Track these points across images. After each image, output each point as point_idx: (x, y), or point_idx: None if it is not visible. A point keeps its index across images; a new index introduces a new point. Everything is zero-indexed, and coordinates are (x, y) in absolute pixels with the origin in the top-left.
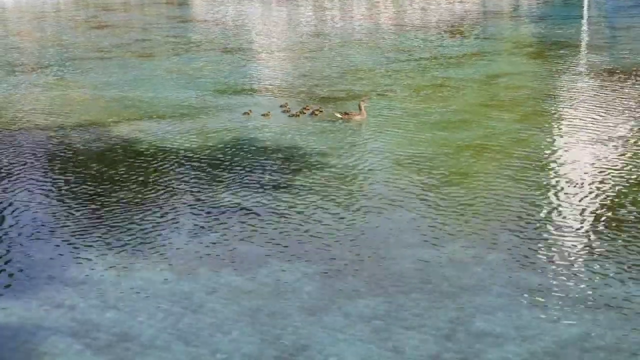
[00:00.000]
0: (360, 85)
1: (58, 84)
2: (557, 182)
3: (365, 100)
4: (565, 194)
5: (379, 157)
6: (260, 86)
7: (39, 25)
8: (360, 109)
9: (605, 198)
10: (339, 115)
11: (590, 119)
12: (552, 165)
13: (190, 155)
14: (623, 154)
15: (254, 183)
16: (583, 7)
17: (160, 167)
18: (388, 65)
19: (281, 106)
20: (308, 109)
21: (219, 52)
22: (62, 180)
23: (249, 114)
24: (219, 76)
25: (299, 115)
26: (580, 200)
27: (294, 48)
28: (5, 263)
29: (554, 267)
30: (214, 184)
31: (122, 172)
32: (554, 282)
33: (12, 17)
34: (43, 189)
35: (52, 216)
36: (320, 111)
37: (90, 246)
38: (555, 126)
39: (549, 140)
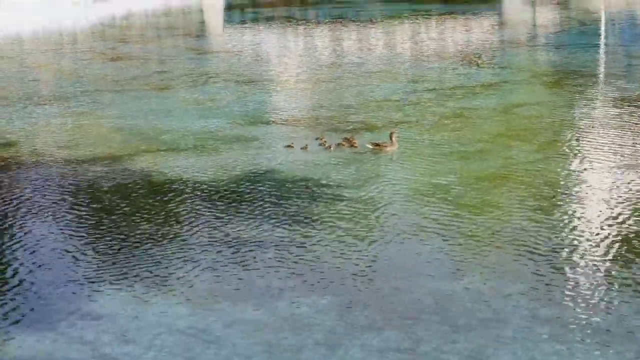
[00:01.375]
0: (380, 116)
1: (75, 116)
2: (576, 212)
3: (396, 130)
4: (584, 225)
5: (398, 187)
6: (282, 117)
7: (56, 56)
8: (391, 139)
9: (626, 229)
10: (370, 147)
11: (609, 149)
12: (572, 195)
13: (211, 187)
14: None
15: (278, 215)
16: (600, 35)
17: (180, 200)
18: (406, 95)
19: (317, 139)
20: (344, 144)
21: (237, 83)
22: (81, 214)
23: (292, 146)
24: (238, 108)
25: (330, 148)
26: (600, 232)
27: (313, 78)
28: (24, 297)
29: (574, 299)
30: (234, 216)
31: (141, 205)
32: (574, 315)
33: (29, 49)
34: (61, 222)
35: (71, 250)
36: (353, 144)
37: (109, 280)
38: (574, 156)
39: (568, 170)
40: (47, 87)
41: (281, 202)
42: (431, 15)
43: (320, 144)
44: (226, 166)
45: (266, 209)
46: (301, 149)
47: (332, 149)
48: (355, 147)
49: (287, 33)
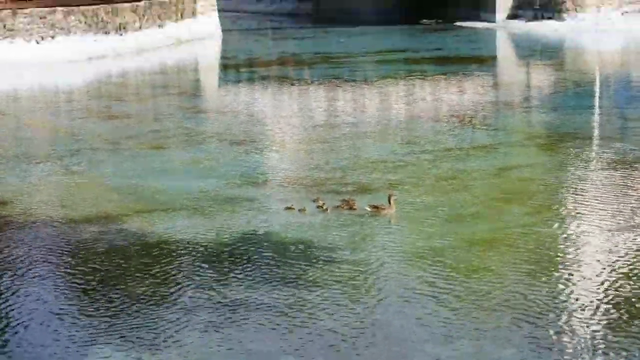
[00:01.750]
0: (375, 177)
1: (70, 175)
2: (569, 277)
3: (394, 193)
4: (577, 290)
5: (393, 250)
6: (278, 178)
7: (51, 114)
8: (389, 202)
9: (621, 293)
10: (368, 209)
11: (603, 212)
12: (564, 260)
13: (206, 248)
14: (635, 245)
15: (274, 277)
16: (595, 97)
17: (175, 261)
18: (400, 157)
19: (314, 200)
20: (343, 206)
21: (232, 142)
22: (74, 275)
23: (292, 208)
24: (234, 168)
25: (326, 210)
26: (595, 296)
27: (308, 139)
28: (12, 358)
29: None
30: (229, 278)
31: (135, 265)
32: None
33: (24, 106)
34: (53, 283)
35: (62, 310)
36: (352, 206)
37: (102, 342)
38: (569, 219)
39: (561, 234)
40: (42, 145)
41: (277, 264)
42: (426, 76)
43: (317, 206)
44: (221, 227)
45: (262, 271)
46: (299, 210)
47: (328, 211)
48: (355, 209)
49: (282, 92)
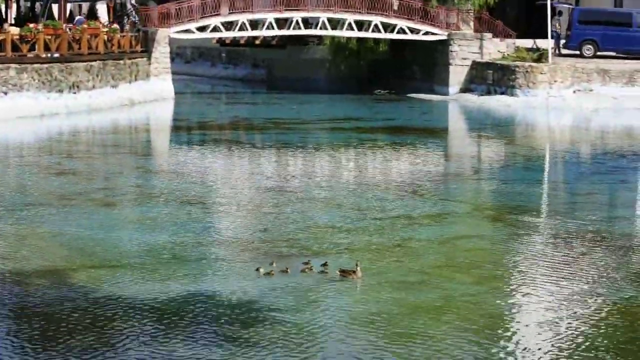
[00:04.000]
0: (318, 244)
1: (16, 229)
2: (514, 349)
3: (359, 262)
4: (521, 358)
5: (334, 314)
6: (225, 239)
7: (0, 169)
8: (357, 268)
9: None
10: (337, 273)
11: (548, 285)
12: (508, 331)
13: (147, 306)
14: (581, 321)
15: (216, 337)
16: (544, 172)
17: (119, 318)
18: (347, 224)
19: (270, 264)
20: (309, 269)
21: (181, 203)
22: (17, 330)
23: (259, 270)
24: (181, 228)
25: (272, 273)
26: None
27: (255, 203)
28: None
29: None
30: (171, 336)
31: (79, 320)
32: None
33: None
34: None
35: None
36: (309, 269)
37: None
38: (514, 291)
39: (505, 305)
40: None
41: (220, 324)
42: (377, 145)
43: (281, 270)
44: (167, 286)
45: (205, 331)
46: (265, 274)
47: (273, 273)
48: (287, 272)
49: (233, 156)
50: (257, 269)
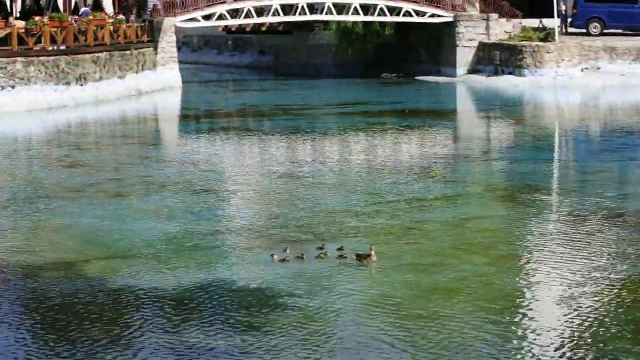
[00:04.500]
0: (332, 228)
1: (28, 222)
2: (529, 327)
3: (374, 245)
4: (537, 339)
5: (349, 299)
6: (237, 227)
7: (8, 163)
8: (371, 252)
9: (579, 344)
10: (354, 257)
11: (561, 264)
12: (523, 310)
13: (161, 295)
14: (595, 299)
15: (233, 324)
16: (554, 150)
17: (132, 308)
18: (359, 208)
19: (284, 250)
20: (324, 254)
21: (193, 192)
22: (32, 322)
23: (277, 257)
24: (193, 216)
25: (288, 259)
26: (553, 346)
27: (266, 189)
28: None
29: None
30: (187, 324)
31: (94, 312)
32: None
33: None
34: (10, 333)
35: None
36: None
37: None
38: (526, 271)
39: (519, 284)
40: (0, 193)
41: (232, 310)
42: (386, 129)
43: (296, 257)
44: (179, 274)
45: (217, 317)
46: (281, 260)
47: (289, 260)
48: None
49: (242, 143)
50: (272, 255)
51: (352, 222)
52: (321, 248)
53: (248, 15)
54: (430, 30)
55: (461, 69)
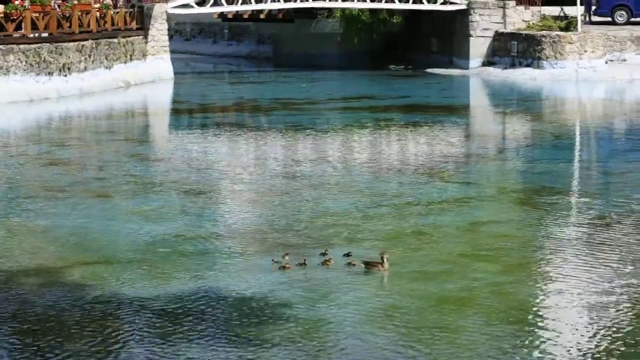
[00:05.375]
0: (336, 232)
1: (6, 224)
2: (542, 339)
3: (386, 252)
4: (556, 354)
5: (352, 308)
6: (230, 231)
7: None
8: (382, 260)
9: (593, 356)
10: (362, 265)
11: (579, 272)
12: (537, 321)
13: (150, 304)
14: (618, 309)
15: (220, 335)
16: (573, 150)
17: (120, 317)
18: (364, 210)
19: (283, 256)
20: (329, 262)
21: (183, 193)
22: (6, 334)
23: (277, 262)
24: (183, 219)
25: (287, 266)
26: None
27: (264, 190)
28: None
29: None
30: (176, 336)
31: (76, 321)
32: None
33: None
34: None
35: None
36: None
37: None
38: (542, 279)
39: (534, 294)
40: None
41: (226, 322)
42: (393, 125)
43: (298, 264)
44: (169, 282)
45: (210, 329)
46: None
47: (289, 267)
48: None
49: (237, 140)
50: (273, 261)
51: (356, 226)
52: (324, 254)
53: (246, 1)
54: (442, 18)
55: (475, 60)
